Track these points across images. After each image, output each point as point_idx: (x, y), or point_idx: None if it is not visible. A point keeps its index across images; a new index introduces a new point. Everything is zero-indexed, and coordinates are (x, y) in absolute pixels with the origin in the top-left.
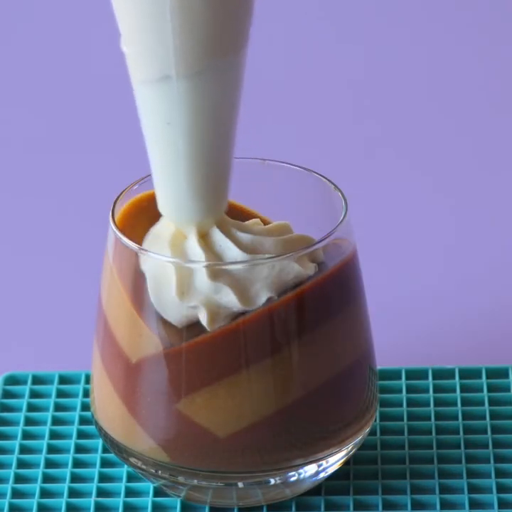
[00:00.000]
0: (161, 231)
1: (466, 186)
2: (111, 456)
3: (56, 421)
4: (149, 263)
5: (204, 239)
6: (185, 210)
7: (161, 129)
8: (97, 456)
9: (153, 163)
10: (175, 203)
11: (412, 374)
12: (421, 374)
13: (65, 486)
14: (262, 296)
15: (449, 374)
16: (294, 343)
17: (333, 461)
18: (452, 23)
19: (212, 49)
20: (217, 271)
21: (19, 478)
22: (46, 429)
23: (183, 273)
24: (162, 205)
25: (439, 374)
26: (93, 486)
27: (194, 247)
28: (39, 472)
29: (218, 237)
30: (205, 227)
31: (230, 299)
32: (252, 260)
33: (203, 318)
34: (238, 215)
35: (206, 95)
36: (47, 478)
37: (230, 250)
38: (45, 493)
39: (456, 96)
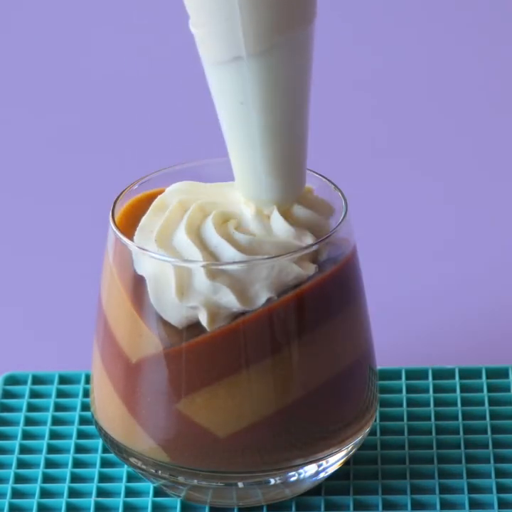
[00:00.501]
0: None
1: (466, 186)
2: (111, 456)
3: (56, 421)
4: (148, 264)
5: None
6: (264, 189)
7: (234, 109)
8: (97, 456)
9: (230, 143)
10: (254, 183)
11: (412, 374)
12: (421, 374)
13: (65, 486)
14: (262, 297)
15: (449, 374)
16: (294, 343)
17: (333, 461)
18: (452, 23)
19: (281, 25)
20: (216, 271)
21: (19, 478)
22: (46, 429)
23: (181, 273)
24: (242, 188)
25: (439, 374)
26: (93, 486)
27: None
28: (39, 472)
29: (215, 238)
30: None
31: (229, 299)
32: (251, 260)
33: (203, 319)
34: None
35: (277, 72)
36: (47, 478)
37: (227, 251)
38: (45, 493)
39: (456, 96)
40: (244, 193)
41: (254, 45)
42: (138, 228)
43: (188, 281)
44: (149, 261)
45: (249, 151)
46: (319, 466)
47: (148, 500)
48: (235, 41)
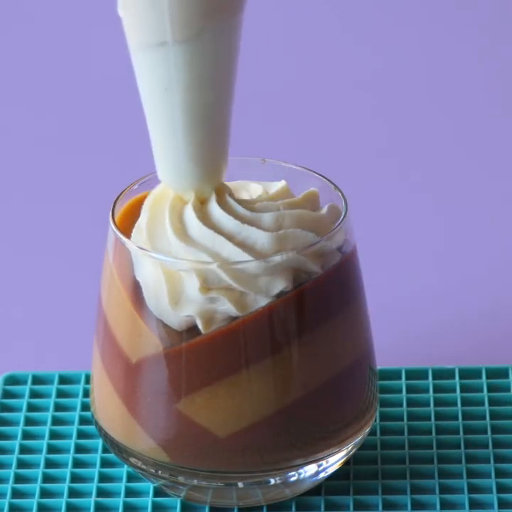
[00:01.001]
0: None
1: (466, 186)
2: (111, 456)
3: (56, 421)
4: (143, 270)
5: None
6: (183, 175)
7: (158, 95)
8: (97, 456)
9: (152, 129)
10: (173, 169)
11: (412, 374)
12: (421, 374)
13: (65, 486)
14: (261, 301)
15: (449, 374)
16: (294, 343)
17: (333, 461)
18: (452, 23)
19: (208, 13)
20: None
21: (19, 478)
22: (46, 429)
23: (174, 282)
24: (161, 172)
25: (439, 374)
26: (93, 486)
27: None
28: (39, 472)
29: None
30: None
31: (226, 308)
32: (249, 261)
33: (199, 324)
34: None
35: (202, 59)
36: (47, 478)
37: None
38: (45, 493)
39: (456, 96)
40: (163, 178)
41: (181, 31)
42: (135, 227)
43: (181, 291)
44: (148, 261)
45: (171, 136)
46: (319, 466)
47: (148, 500)
48: (161, 26)
